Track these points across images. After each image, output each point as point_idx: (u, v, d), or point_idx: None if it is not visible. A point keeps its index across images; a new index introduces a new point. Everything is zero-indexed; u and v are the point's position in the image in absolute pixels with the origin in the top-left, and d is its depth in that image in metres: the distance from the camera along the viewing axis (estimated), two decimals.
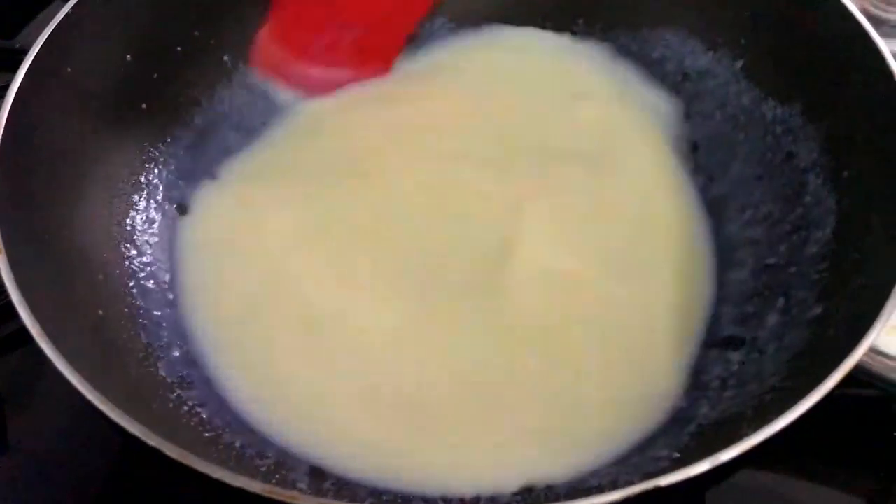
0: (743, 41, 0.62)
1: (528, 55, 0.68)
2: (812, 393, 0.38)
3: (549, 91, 0.66)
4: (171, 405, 0.48)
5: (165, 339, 0.53)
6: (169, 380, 0.50)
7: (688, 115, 0.64)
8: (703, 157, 0.62)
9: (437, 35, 0.70)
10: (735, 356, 0.52)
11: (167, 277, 0.56)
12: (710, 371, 0.52)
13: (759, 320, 0.52)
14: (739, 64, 0.62)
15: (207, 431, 0.48)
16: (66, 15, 0.53)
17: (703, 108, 0.64)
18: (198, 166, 0.62)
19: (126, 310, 0.52)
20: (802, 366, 0.46)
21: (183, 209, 0.60)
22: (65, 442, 0.55)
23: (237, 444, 0.47)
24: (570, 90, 0.66)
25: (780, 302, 0.51)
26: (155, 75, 0.60)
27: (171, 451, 0.36)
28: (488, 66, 0.68)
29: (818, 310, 0.49)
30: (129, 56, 0.58)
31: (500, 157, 0.62)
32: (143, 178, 0.58)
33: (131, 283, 0.54)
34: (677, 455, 0.46)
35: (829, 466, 0.54)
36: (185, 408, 0.49)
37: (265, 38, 0.63)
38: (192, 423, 0.48)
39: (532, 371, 0.52)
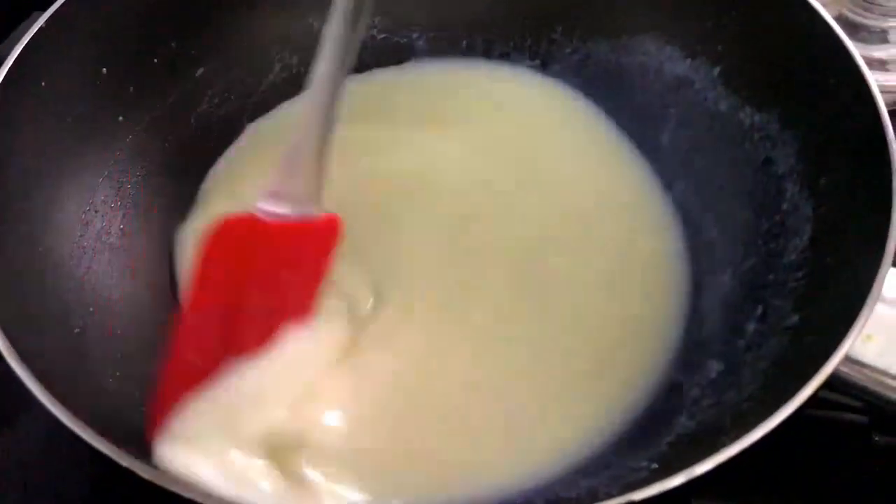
0: (720, 48, 0.62)
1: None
2: (789, 402, 0.38)
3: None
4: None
5: (141, 357, 0.52)
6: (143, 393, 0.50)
7: (665, 122, 0.64)
8: (679, 164, 0.62)
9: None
10: (713, 365, 0.52)
11: (140, 293, 0.56)
12: (687, 379, 0.52)
13: (737, 329, 0.52)
14: (717, 70, 0.62)
15: None
16: (41, 28, 0.53)
17: (680, 115, 0.64)
18: (176, 180, 0.62)
19: (104, 324, 0.52)
20: (780, 374, 0.46)
21: (160, 223, 0.59)
22: (43, 461, 0.54)
23: None
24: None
25: (758, 310, 0.52)
26: (131, 88, 0.59)
27: (145, 472, 0.36)
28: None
29: (795, 318, 0.49)
30: (104, 69, 0.57)
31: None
32: (119, 193, 0.58)
33: (109, 297, 0.54)
34: (655, 465, 0.46)
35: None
36: None
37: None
38: None
39: (501, 378, 0.52)
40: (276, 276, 0.51)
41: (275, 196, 0.51)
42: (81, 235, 0.54)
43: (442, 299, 0.55)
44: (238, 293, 0.51)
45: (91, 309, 0.52)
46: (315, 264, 0.51)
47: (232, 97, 0.66)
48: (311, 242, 0.52)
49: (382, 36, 0.70)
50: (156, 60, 0.61)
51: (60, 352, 0.47)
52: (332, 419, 0.50)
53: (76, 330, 0.49)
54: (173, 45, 0.62)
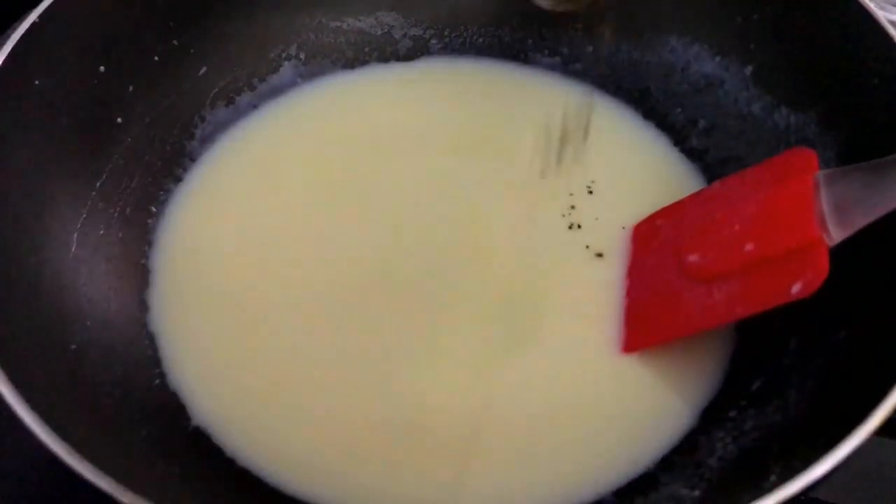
0: (751, 46, 0.58)
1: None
2: (852, 433, 0.35)
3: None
4: (145, 440, 0.45)
5: (141, 370, 0.49)
6: (145, 413, 0.47)
7: (694, 125, 0.61)
8: (712, 169, 0.59)
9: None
10: (754, 383, 0.48)
11: (139, 306, 0.53)
12: (727, 400, 0.49)
13: (779, 344, 0.49)
14: (748, 70, 0.59)
15: None
16: (33, 24, 0.49)
17: (710, 117, 0.60)
18: (173, 182, 0.59)
19: (101, 340, 0.48)
20: (833, 395, 0.43)
21: (154, 228, 0.56)
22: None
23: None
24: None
25: (802, 324, 0.48)
26: (131, 87, 0.56)
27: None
28: None
29: (842, 333, 0.46)
30: (102, 67, 0.54)
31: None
32: (117, 200, 0.54)
33: (107, 310, 0.50)
34: (697, 494, 0.43)
35: None
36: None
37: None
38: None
39: (538, 399, 0.50)
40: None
41: None
42: (78, 245, 0.50)
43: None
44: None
45: (88, 323, 0.48)
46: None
47: (236, 97, 0.63)
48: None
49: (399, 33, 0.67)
50: (156, 58, 0.58)
51: (55, 373, 0.43)
52: None
53: (72, 347, 0.46)
54: (175, 42, 0.59)
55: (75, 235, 0.51)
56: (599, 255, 0.55)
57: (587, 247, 0.56)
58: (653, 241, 0.55)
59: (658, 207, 0.56)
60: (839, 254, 0.44)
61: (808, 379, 0.46)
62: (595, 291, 0.54)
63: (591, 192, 0.59)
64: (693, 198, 0.55)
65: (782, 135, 0.56)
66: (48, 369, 0.43)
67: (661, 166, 0.61)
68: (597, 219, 0.57)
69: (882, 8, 0.70)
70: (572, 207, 0.58)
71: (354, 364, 0.50)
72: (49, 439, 0.35)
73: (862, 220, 0.43)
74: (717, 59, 0.60)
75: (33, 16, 0.49)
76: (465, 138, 0.61)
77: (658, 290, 0.52)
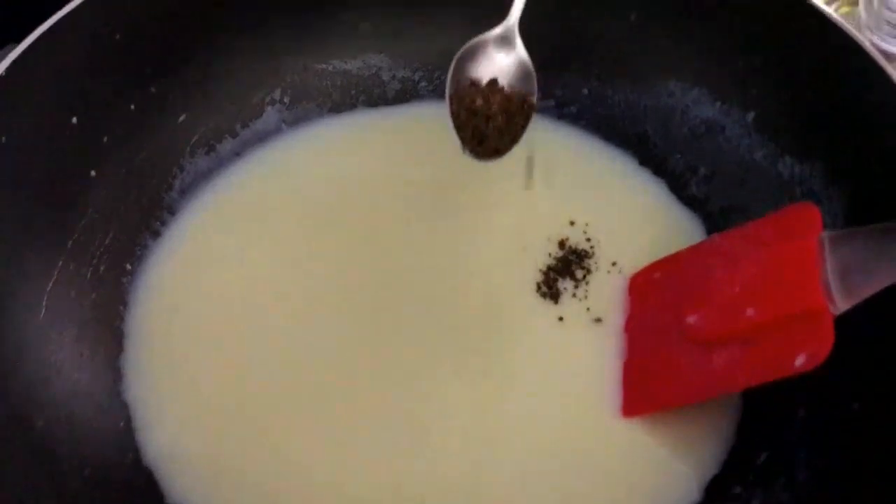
0: (753, 91, 0.56)
1: None
2: None
3: None
4: None
5: (113, 445, 0.47)
6: (117, 492, 0.44)
7: (694, 173, 0.59)
8: (713, 218, 0.57)
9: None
10: (761, 454, 0.46)
11: (112, 373, 0.50)
12: (731, 473, 0.46)
13: (787, 413, 0.46)
14: (750, 116, 0.56)
15: None
16: (0, 78, 0.47)
17: (711, 164, 0.58)
18: (150, 236, 0.56)
19: (71, 414, 0.46)
20: (846, 475, 0.40)
21: (129, 288, 0.54)
22: None
23: None
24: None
25: (810, 395, 0.46)
26: (105, 138, 0.53)
27: None
28: None
29: (856, 406, 0.43)
30: (74, 118, 0.51)
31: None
32: (90, 260, 0.52)
33: (77, 381, 0.48)
34: None
35: None
36: None
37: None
38: None
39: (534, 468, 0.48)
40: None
41: None
42: (47, 310, 0.48)
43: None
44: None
45: (56, 396, 0.46)
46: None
47: (217, 144, 0.60)
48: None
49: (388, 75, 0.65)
50: (133, 107, 0.55)
51: (18, 456, 0.41)
52: None
53: (39, 424, 0.43)
54: (152, 89, 0.56)
55: (44, 300, 0.48)
56: (598, 319, 0.53)
57: (588, 309, 0.54)
58: (650, 297, 0.53)
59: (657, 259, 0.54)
60: (851, 317, 0.41)
61: (818, 455, 0.43)
62: (594, 356, 0.52)
63: (588, 240, 0.57)
64: (692, 251, 0.53)
65: (786, 185, 0.54)
66: (10, 452, 0.40)
67: (660, 215, 0.58)
68: (593, 276, 0.55)
69: (884, 40, 0.68)
70: (567, 262, 0.55)
71: (341, 444, 0.48)
72: None
73: (868, 290, 0.41)
74: (718, 104, 0.58)
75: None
76: (455, 188, 0.58)
77: (656, 351, 0.50)
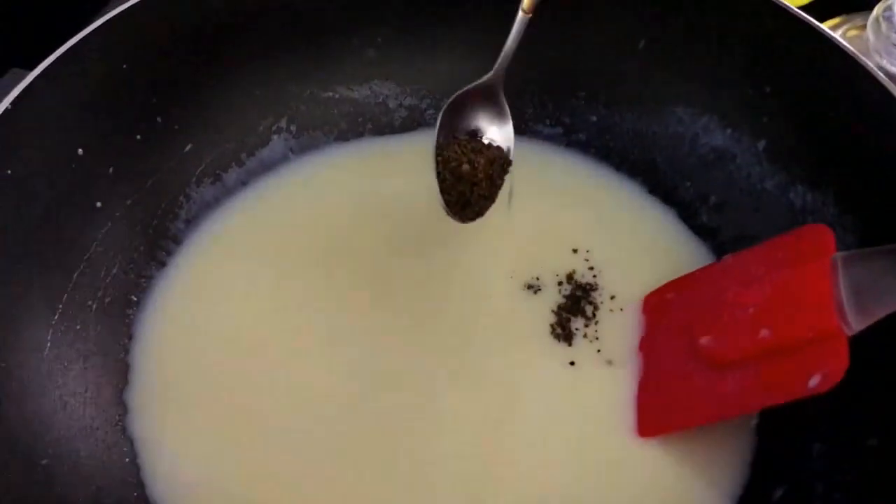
0: (764, 119, 0.55)
1: None
2: None
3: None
4: None
5: (118, 482, 0.46)
6: None
7: (704, 201, 0.58)
8: (724, 248, 0.56)
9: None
10: (777, 490, 0.45)
11: (118, 408, 0.49)
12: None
13: (803, 448, 0.45)
14: (761, 144, 0.56)
15: None
16: (6, 111, 0.47)
17: (721, 193, 0.57)
18: (156, 267, 0.56)
19: (75, 452, 0.45)
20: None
21: (135, 319, 0.53)
22: None
23: None
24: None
25: (826, 428, 0.45)
26: (111, 169, 0.53)
27: None
28: None
29: (873, 441, 0.42)
30: (80, 150, 0.51)
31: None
32: (96, 292, 0.51)
33: (81, 416, 0.47)
34: None
35: None
36: None
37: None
38: None
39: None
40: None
41: None
42: (52, 345, 0.47)
43: None
44: None
45: (61, 433, 0.45)
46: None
47: (224, 173, 0.60)
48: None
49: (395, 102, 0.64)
50: (138, 137, 0.55)
51: (25, 493, 0.40)
52: None
53: (43, 462, 0.43)
54: (158, 119, 0.56)
55: (49, 334, 0.48)
56: (609, 362, 0.53)
57: (598, 351, 0.53)
58: (663, 317, 0.52)
59: None
60: (868, 345, 0.40)
61: (835, 490, 0.42)
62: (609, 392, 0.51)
63: (591, 269, 0.56)
64: (705, 272, 0.53)
65: (799, 214, 0.53)
66: (16, 491, 0.40)
67: (670, 244, 0.58)
68: (601, 311, 0.55)
69: (892, 64, 0.68)
70: (576, 298, 0.55)
71: (349, 482, 0.47)
72: None
73: (883, 310, 0.40)
74: (728, 131, 0.57)
75: (5, 103, 0.47)
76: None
77: (670, 372, 0.50)
